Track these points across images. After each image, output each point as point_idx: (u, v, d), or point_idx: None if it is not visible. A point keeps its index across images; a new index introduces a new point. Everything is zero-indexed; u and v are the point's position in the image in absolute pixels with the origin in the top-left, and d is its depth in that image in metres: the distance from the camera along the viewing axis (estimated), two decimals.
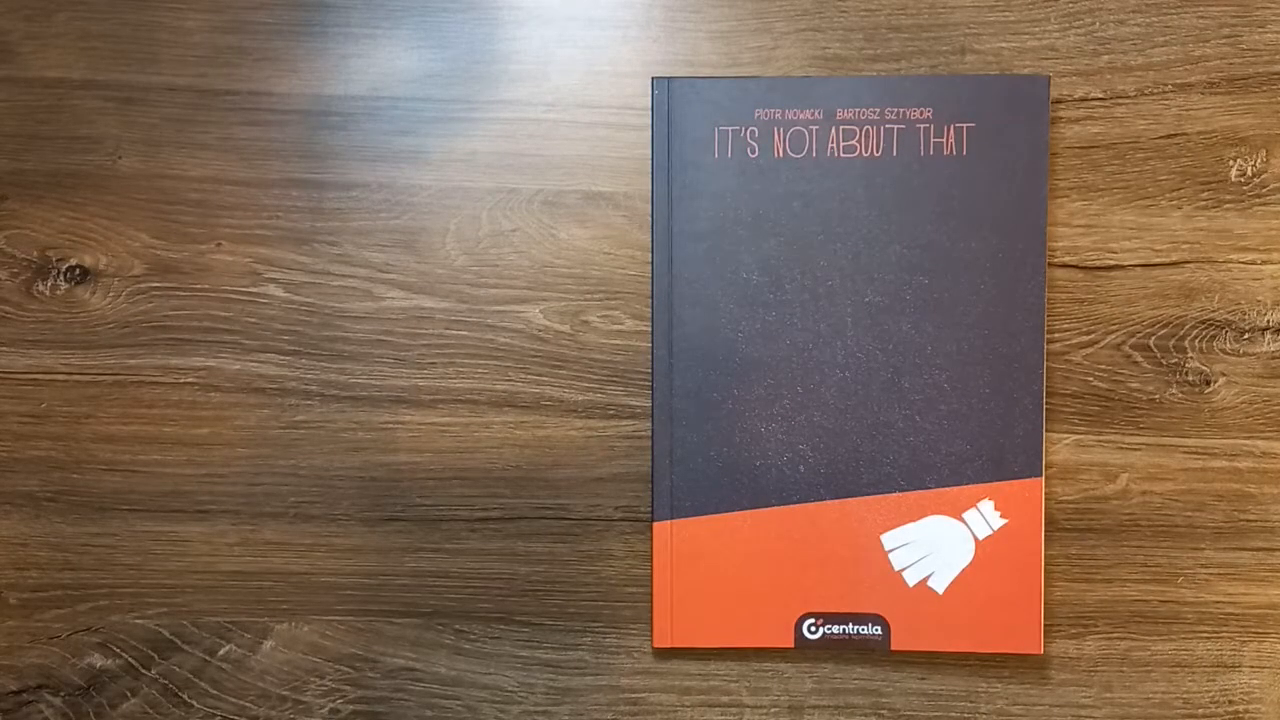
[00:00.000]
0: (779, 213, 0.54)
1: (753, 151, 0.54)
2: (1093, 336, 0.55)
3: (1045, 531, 0.54)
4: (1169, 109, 0.55)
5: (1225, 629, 0.55)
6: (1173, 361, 0.55)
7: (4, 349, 0.56)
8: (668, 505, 0.54)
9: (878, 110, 0.54)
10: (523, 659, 0.56)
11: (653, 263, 0.54)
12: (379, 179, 0.56)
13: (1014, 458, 0.54)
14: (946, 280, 0.54)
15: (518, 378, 0.56)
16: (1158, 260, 0.55)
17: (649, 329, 0.55)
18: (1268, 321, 0.55)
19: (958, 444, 0.54)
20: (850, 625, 0.54)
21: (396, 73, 0.56)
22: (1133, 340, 0.55)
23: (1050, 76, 0.54)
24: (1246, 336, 0.55)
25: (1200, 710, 0.55)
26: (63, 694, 0.56)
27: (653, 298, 0.54)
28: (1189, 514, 0.55)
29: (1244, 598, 0.55)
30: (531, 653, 0.56)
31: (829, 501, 0.54)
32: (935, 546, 0.54)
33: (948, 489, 0.54)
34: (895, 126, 0.54)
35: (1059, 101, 0.55)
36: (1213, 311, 0.55)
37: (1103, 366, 0.55)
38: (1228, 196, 0.55)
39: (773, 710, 0.56)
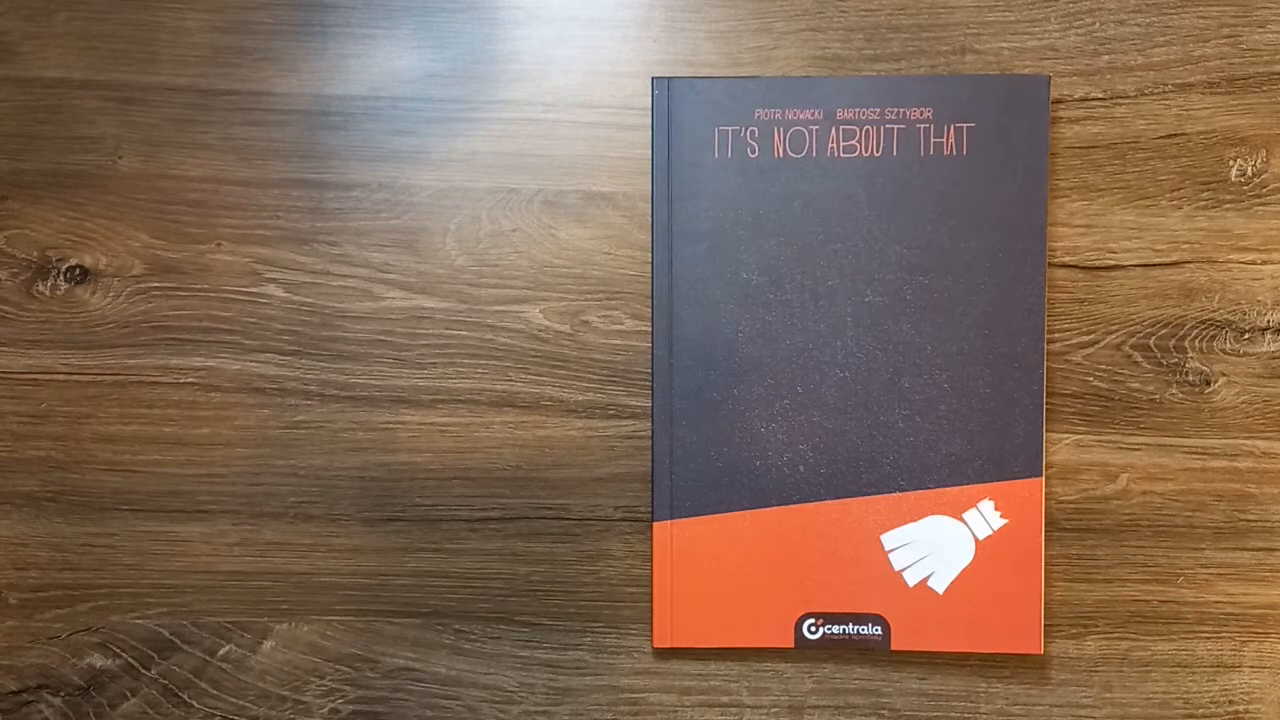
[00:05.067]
0: (779, 213, 0.54)
1: (753, 151, 0.54)
2: (1093, 336, 0.55)
3: (1045, 531, 0.54)
4: (1169, 109, 0.55)
5: (1225, 629, 0.55)
6: (1173, 361, 0.55)
7: (4, 349, 0.56)
8: (668, 505, 0.54)
9: (878, 110, 0.54)
10: (523, 659, 0.56)
11: (653, 263, 0.54)
12: (379, 179, 0.56)
13: (1014, 458, 0.54)
14: (946, 280, 0.54)
15: (518, 378, 0.56)
16: (1158, 260, 0.55)
17: (649, 329, 0.55)
18: (1268, 321, 0.55)
19: (958, 444, 0.54)
20: (850, 625, 0.54)
21: (396, 73, 0.56)
22: (1133, 340, 0.55)
23: (1050, 76, 0.54)
24: (1246, 336, 0.55)
25: (1200, 710, 0.55)
26: (63, 694, 0.56)
27: (653, 298, 0.54)
28: (1189, 514, 0.55)
29: (1244, 598, 0.55)
30: (531, 653, 0.56)
31: (829, 501, 0.54)
32: (935, 546, 0.54)
33: (948, 489, 0.54)
34: (895, 126, 0.54)
35: (1059, 101, 0.55)
36: (1213, 311, 0.55)
37: (1103, 366, 0.55)
38: (1228, 196, 0.55)
39: (773, 710, 0.56)
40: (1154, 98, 0.55)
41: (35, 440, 0.56)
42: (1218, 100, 0.54)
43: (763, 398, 0.54)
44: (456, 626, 0.56)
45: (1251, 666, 0.55)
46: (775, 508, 0.54)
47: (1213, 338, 0.55)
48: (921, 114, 0.53)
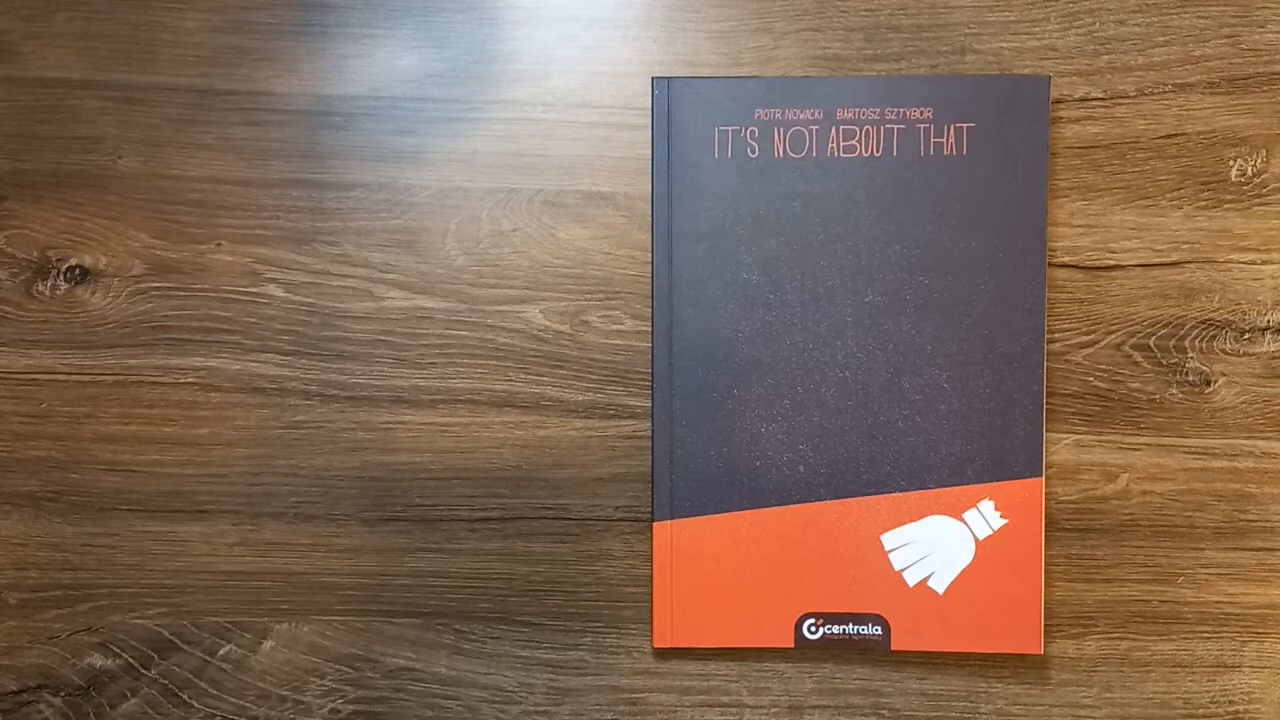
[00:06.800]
0: (779, 213, 0.54)
1: (753, 151, 0.54)
2: (1093, 336, 0.55)
3: (1045, 531, 0.54)
4: (1169, 109, 0.55)
5: (1225, 629, 0.55)
6: (1173, 361, 0.55)
7: (4, 349, 0.56)
8: (668, 505, 0.54)
9: (878, 110, 0.54)
10: (523, 659, 0.56)
11: (653, 263, 0.54)
12: (379, 179, 0.56)
13: (1014, 458, 0.54)
14: (946, 280, 0.54)
15: (518, 378, 0.56)
16: (1158, 260, 0.55)
17: (649, 329, 0.55)
18: (1268, 321, 0.55)
19: (958, 444, 0.54)
20: (850, 625, 0.54)
21: (396, 73, 0.56)
22: (1133, 340, 0.55)
23: (1050, 76, 0.54)
24: (1246, 336, 0.55)
25: (1200, 710, 0.55)
26: (63, 694, 0.56)
27: (653, 298, 0.54)
28: (1189, 514, 0.55)
29: (1244, 598, 0.55)
30: (531, 653, 0.56)
31: (829, 501, 0.54)
32: (935, 546, 0.54)
33: (948, 489, 0.54)
34: (895, 126, 0.54)
35: (1059, 101, 0.55)
36: (1213, 311, 0.55)
37: (1103, 366, 0.55)
38: (1228, 196, 0.55)
39: (773, 710, 0.56)
40: (1154, 98, 0.55)
41: (35, 440, 0.56)
42: (1218, 100, 0.54)
43: (763, 398, 0.54)
44: (456, 626, 0.56)
45: (1251, 666, 0.55)
46: (775, 508, 0.54)
47: (1213, 338, 0.55)
48: (921, 114, 0.53)
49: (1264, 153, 0.54)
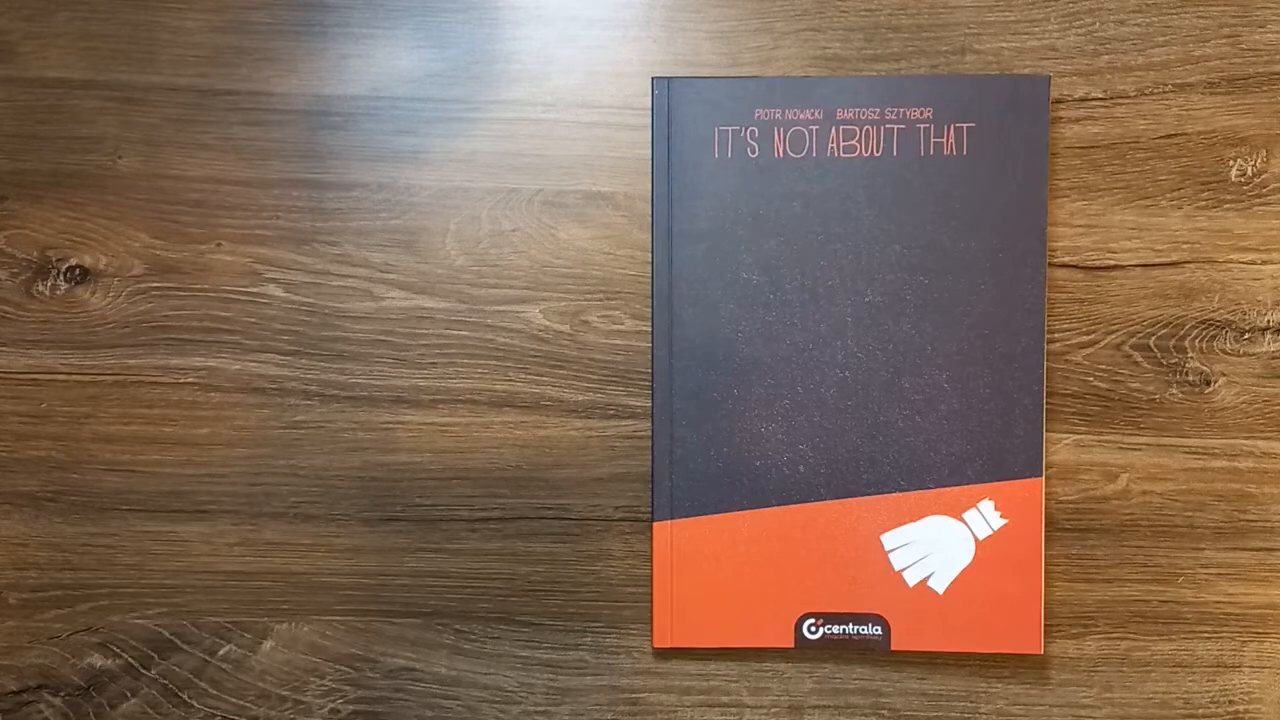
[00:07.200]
0: (779, 213, 0.54)
1: (753, 151, 0.54)
2: (1093, 336, 0.55)
3: (1045, 531, 0.54)
4: (1169, 109, 0.55)
5: (1225, 629, 0.55)
6: (1173, 361, 0.55)
7: (4, 349, 0.56)
8: (668, 505, 0.54)
9: (878, 110, 0.54)
10: (523, 659, 0.56)
11: (653, 263, 0.54)
12: (379, 179, 0.56)
13: (1014, 458, 0.54)
14: (946, 280, 0.54)
15: (518, 378, 0.56)
16: (1158, 260, 0.55)
17: (649, 329, 0.55)
18: (1268, 321, 0.55)
19: (958, 444, 0.54)
20: (850, 625, 0.54)
21: (396, 73, 0.56)
22: (1133, 340, 0.55)
23: (1050, 76, 0.54)
24: (1246, 336, 0.55)
25: (1200, 710, 0.55)
26: (63, 694, 0.56)
27: (653, 298, 0.54)
28: (1189, 514, 0.55)
29: (1244, 598, 0.55)
30: (531, 653, 0.56)
31: (829, 501, 0.54)
32: (935, 546, 0.54)
33: (948, 489, 0.54)
34: (895, 126, 0.54)
35: (1059, 101, 0.55)
36: (1213, 311, 0.55)
37: (1103, 366, 0.55)
38: (1228, 196, 0.55)
39: (773, 710, 0.56)
40: (1154, 98, 0.55)
41: (35, 440, 0.56)
42: (1218, 100, 0.54)
43: (763, 398, 0.54)
44: (456, 626, 0.56)
45: (1251, 666, 0.55)
46: (775, 508, 0.54)
47: (1213, 338, 0.55)
48: (921, 114, 0.53)
49: (1264, 153, 0.54)
